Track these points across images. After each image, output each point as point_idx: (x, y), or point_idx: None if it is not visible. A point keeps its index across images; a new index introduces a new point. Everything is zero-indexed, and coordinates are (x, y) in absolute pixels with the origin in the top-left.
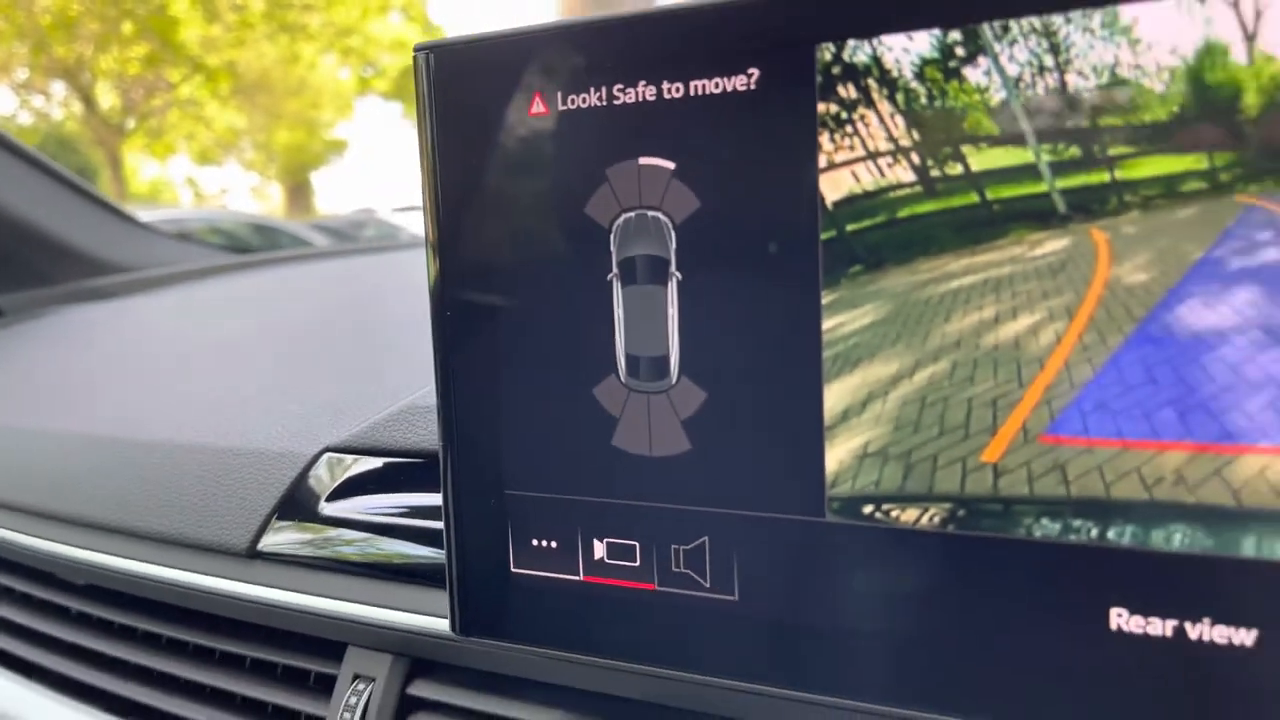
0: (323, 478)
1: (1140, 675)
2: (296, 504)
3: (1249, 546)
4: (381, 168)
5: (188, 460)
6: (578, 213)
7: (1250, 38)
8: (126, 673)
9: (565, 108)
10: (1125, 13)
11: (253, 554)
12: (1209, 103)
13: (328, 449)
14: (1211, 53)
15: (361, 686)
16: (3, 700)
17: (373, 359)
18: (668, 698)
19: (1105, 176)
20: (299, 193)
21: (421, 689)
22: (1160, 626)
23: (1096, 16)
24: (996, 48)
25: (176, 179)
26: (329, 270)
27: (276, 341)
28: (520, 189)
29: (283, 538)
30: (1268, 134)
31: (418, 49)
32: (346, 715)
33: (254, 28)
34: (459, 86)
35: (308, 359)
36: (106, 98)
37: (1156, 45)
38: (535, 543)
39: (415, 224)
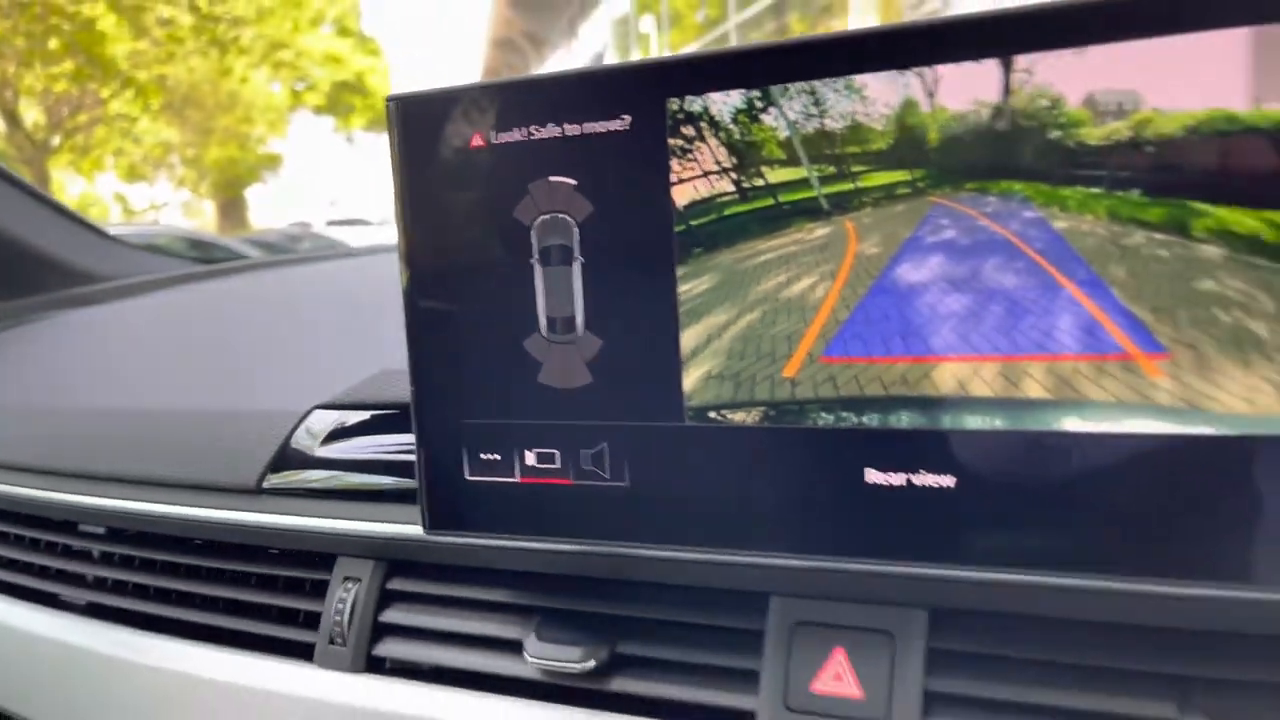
0: (314, 428)
1: (885, 511)
2: (293, 449)
3: (946, 421)
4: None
5: (198, 421)
6: (508, 216)
7: (930, 95)
8: (151, 597)
9: (498, 141)
10: (858, 80)
11: (259, 490)
12: (909, 137)
13: (317, 406)
14: (909, 105)
15: (350, 585)
16: (45, 630)
17: (343, 342)
18: (588, 568)
19: (850, 185)
20: (232, 208)
21: (398, 584)
22: (897, 478)
23: (841, 82)
24: (781, 102)
25: (105, 196)
26: (293, 274)
27: (258, 332)
28: (466, 200)
29: (282, 477)
30: (945, 158)
31: (389, 99)
32: (338, 608)
33: (183, 42)
34: (419, 126)
35: (288, 344)
36: (31, 114)
37: (877, 100)
38: (483, 456)
39: (350, 237)
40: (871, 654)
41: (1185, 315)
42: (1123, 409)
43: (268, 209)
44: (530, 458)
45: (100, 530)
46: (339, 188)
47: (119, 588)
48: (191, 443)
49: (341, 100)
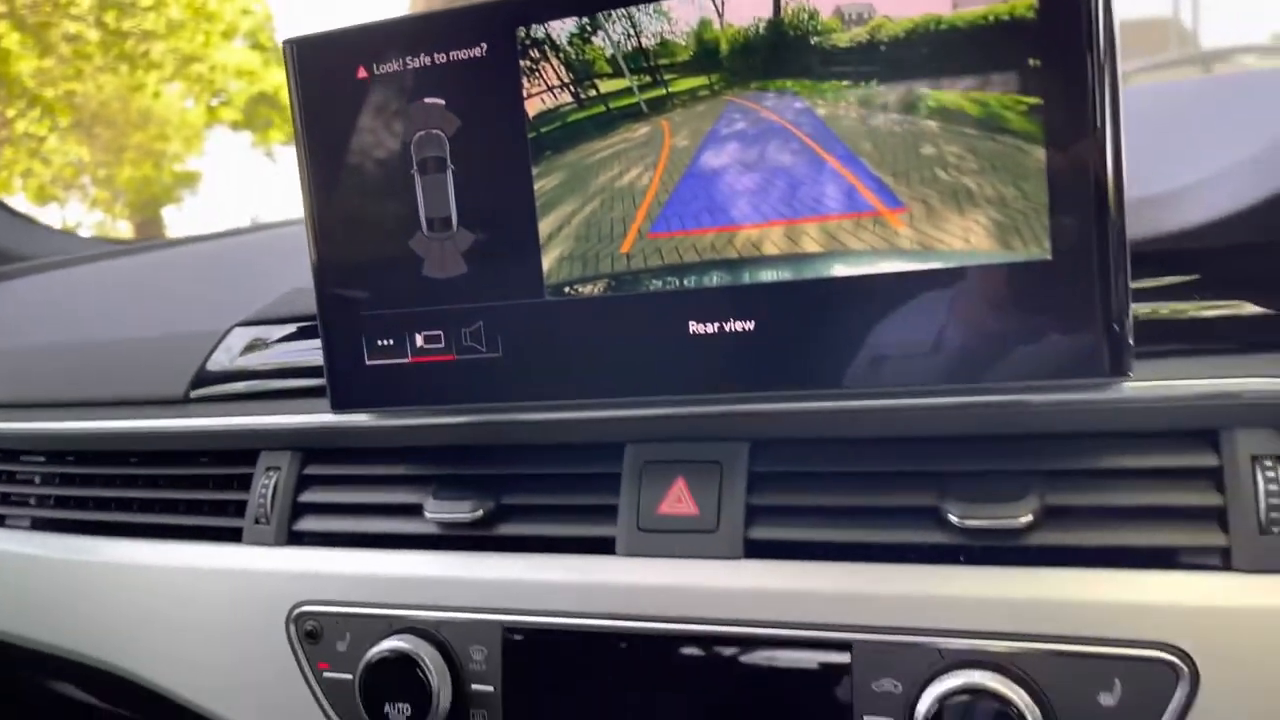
0: (234, 344)
1: (705, 355)
2: (217, 362)
3: (746, 277)
4: (236, 200)
5: (128, 347)
6: (392, 134)
7: (720, 14)
8: (92, 507)
9: (379, 72)
10: (665, 4)
11: (186, 399)
12: (705, 49)
13: (236, 324)
14: (704, 23)
15: (271, 474)
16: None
17: (255, 282)
18: (473, 437)
19: (663, 91)
20: (149, 228)
21: (313, 469)
22: (711, 327)
23: (651, 7)
24: (606, 26)
25: None
26: (208, 245)
27: (178, 284)
28: (354, 123)
29: (208, 389)
30: (734, 64)
31: (285, 42)
32: (261, 493)
33: (91, 58)
34: (312, 63)
35: (207, 290)
36: None
37: (679, 20)
38: (379, 342)
39: None
40: (705, 480)
41: (916, 176)
42: (876, 254)
43: (186, 229)
44: (419, 340)
45: (40, 457)
46: (260, 204)
47: (62, 504)
48: (123, 366)
49: (259, 115)
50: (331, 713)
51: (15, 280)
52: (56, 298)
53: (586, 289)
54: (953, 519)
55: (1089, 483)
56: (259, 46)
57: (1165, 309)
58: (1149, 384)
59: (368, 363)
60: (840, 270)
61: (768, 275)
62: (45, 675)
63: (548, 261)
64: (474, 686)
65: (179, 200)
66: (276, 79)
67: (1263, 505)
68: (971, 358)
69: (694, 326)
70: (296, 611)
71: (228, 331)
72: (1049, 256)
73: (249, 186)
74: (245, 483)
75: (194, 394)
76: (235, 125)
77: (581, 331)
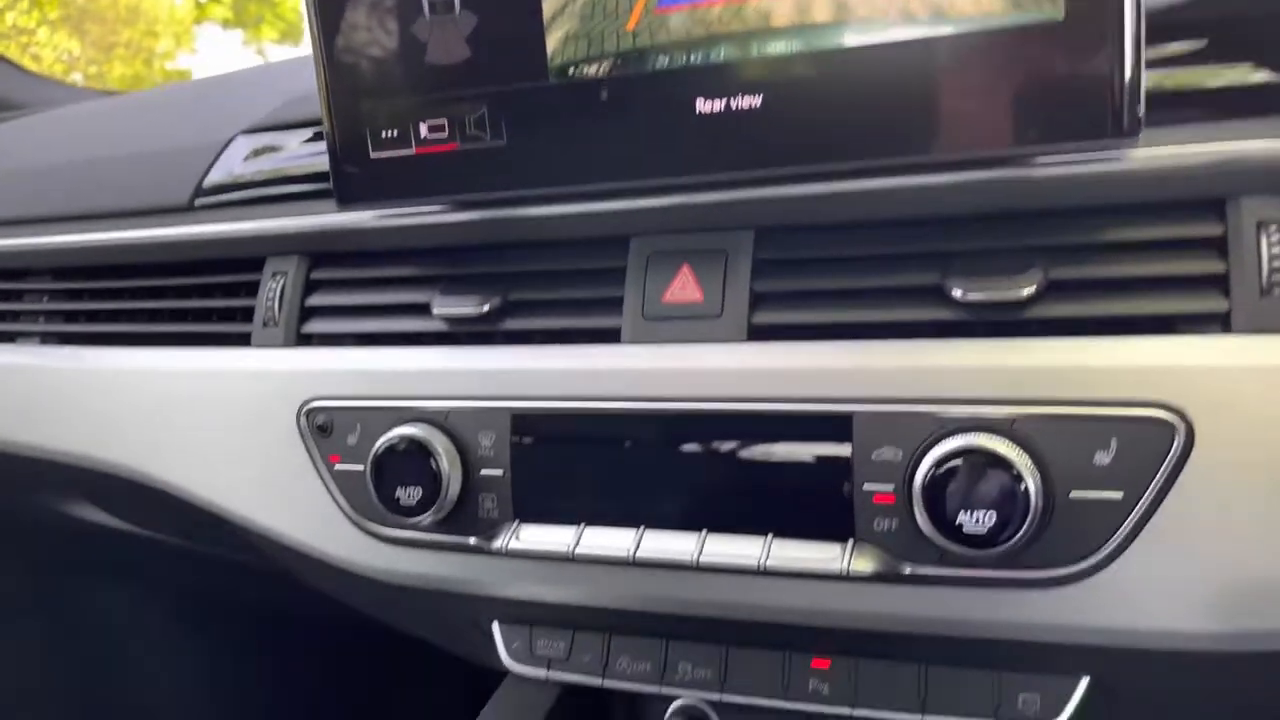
0: (238, 151)
1: (712, 134)
2: (221, 170)
3: (755, 51)
4: None
5: (133, 160)
6: None
7: None
8: (101, 320)
9: None
10: None
11: (192, 207)
12: None
13: (240, 132)
14: None
15: (279, 278)
16: (7, 361)
17: (255, 96)
18: (479, 235)
19: None
20: None
21: (320, 274)
22: (719, 105)
23: None
24: None
25: None
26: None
27: (181, 108)
28: None
29: (213, 197)
30: None
31: None
32: (269, 297)
33: None
34: None
35: (209, 110)
36: None
37: None
38: (383, 134)
39: None
40: (710, 268)
41: None
42: (887, 22)
43: None
44: (423, 130)
45: (47, 274)
46: None
47: (71, 319)
48: (127, 178)
49: (249, 12)
50: (344, 504)
51: (20, 118)
52: (60, 128)
53: (591, 70)
54: (955, 294)
55: (1092, 256)
56: None
57: (1172, 78)
58: (1156, 151)
59: (372, 156)
60: (851, 39)
61: (777, 48)
62: (59, 495)
63: (551, 42)
64: (483, 471)
65: None
66: None
67: (1265, 269)
68: (983, 123)
69: (701, 105)
70: (307, 407)
71: (231, 140)
72: (1061, 16)
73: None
74: (252, 290)
75: (198, 202)
76: (225, 23)
77: (586, 114)
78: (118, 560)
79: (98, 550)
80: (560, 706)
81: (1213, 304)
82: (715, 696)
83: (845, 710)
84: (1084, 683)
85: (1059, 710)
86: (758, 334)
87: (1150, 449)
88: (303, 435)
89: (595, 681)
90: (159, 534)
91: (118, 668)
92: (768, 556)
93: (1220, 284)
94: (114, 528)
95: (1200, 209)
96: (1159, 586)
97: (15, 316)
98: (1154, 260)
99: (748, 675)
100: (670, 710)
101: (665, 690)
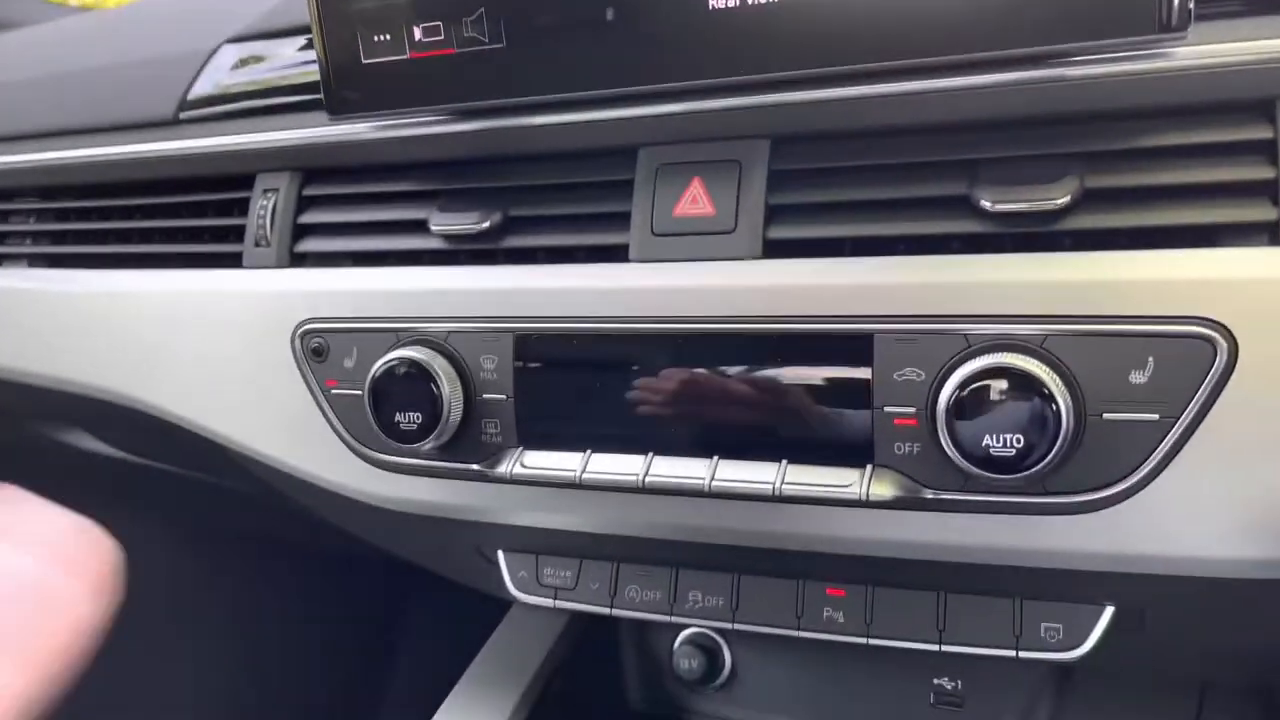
0: (224, 60)
1: (725, 31)
2: (207, 80)
3: None
4: None
5: (115, 71)
6: None
7: None
8: (90, 240)
9: None
10: None
11: (177, 120)
12: None
13: (226, 40)
14: None
15: (270, 195)
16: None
17: (237, 7)
18: (479, 146)
19: None
20: None
21: (313, 190)
22: (732, 0)
23: None
24: None
25: None
26: None
27: (160, 18)
28: None
29: (198, 110)
30: None
31: None
32: (260, 215)
33: None
34: None
35: (194, 18)
36: None
37: None
38: (376, 37)
39: None
40: (723, 180)
41: None
42: None
43: None
44: (418, 33)
45: (34, 195)
46: None
47: (59, 240)
48: (112, 90)
49: None
50: (342, 430)
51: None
52: (40, 42)
53: None
54: (985, 204)
55: (1131, 162)
56: None
57: None
58: (1202, 48)
59: (364, 62)
60: None
61: None
62: (51, 422)
63: None
64: (485, 395)
65: None
66: None
67: None
68: (1017, 17)
69: (714, 0)
70: (301, 329)
71: (216, 49)
72: None
73: None
74: (244, 208)
75: (183, 115)
76: None
77: (590, 13)
78: (120, 489)
79: (99, 479)
80: (568, 634)
81: (1259, 213)
82: (727, 625)
83: (861, 639)
84: (1109, 611)
85: (1082, 640)
86: (773, 250)
87: (1190, 367)
88: (298, 359)
89: (604, 610)
90: (160, 463)
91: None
92: (783, 482)
93: (1268, 191)
94: (113, 457)
95: (1248, 111)
96: (1195, 511)
97: (1, 239)
98: (1198, 167)
99: (760, 604)
100: (679, 639)
101: (675, 620)
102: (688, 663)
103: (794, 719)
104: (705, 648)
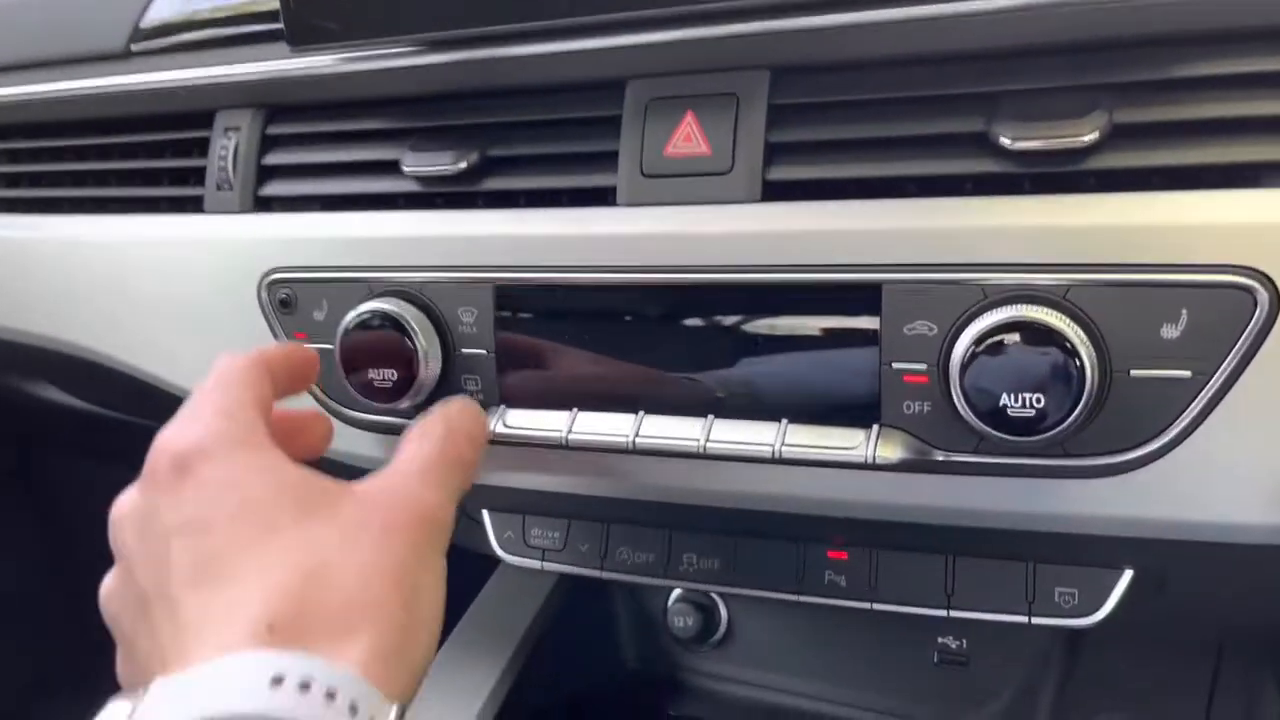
0: None
1: None
2: (159, 10)
3: None
4: None
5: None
6: None
7: None
8: (45, 183)
9: None
10: None
11: (128, 53)
12: None
13: None
14: None
15: (231, 135)
16: None
17: None
18: (453, 80)
19: None
20: None
21: (277, 128)
22: None
23: None
24: None
25: None
26: None
27: None
28: None
29: (150, 41)
30: None
31: None
32: (221, 156)
33: None
34: None
35: None
36: None
37: None
38: None
39: None
40: (718, 115)
41: None
42: None
43: None
44: None
45: None
46: None
47: (11, 183)
48: (56, 20)
49: None
50: (313, 386)
51: None
52: None
53: None
54: (1004, 142)
55: (1164, 95)
56: None
57: None
58: None
59: None
60: None
61: None
62: (16, 375)
63: None
64: (464, 350)
65: None
66: None
67: None
68: None
69: None
70: (268, 280)
71: None
72: None
73: None
74: (204, 149)
75: (135, 47)
76: None
77: None
78: (91, 444)
79: (73, 431)
80: (560, 589)
81: None
82: (723, 589)
83: (864, 605)
84: (1127, 576)
85: (1098, 606)
86: (773, 192)
87: (1226, 320)
88: (264, 310)
89: (594, 573)
90: (130, 417)
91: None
92: (783, 443)
93: None
94: (84, 411)
95: None
96: (1227, 475)
97: None
98: (1237, 99)
99: (758, 567)
100: (674, 596)
101: (669, 583)
102: (683, 620)
103: (792, 677)
104: (701, 605)
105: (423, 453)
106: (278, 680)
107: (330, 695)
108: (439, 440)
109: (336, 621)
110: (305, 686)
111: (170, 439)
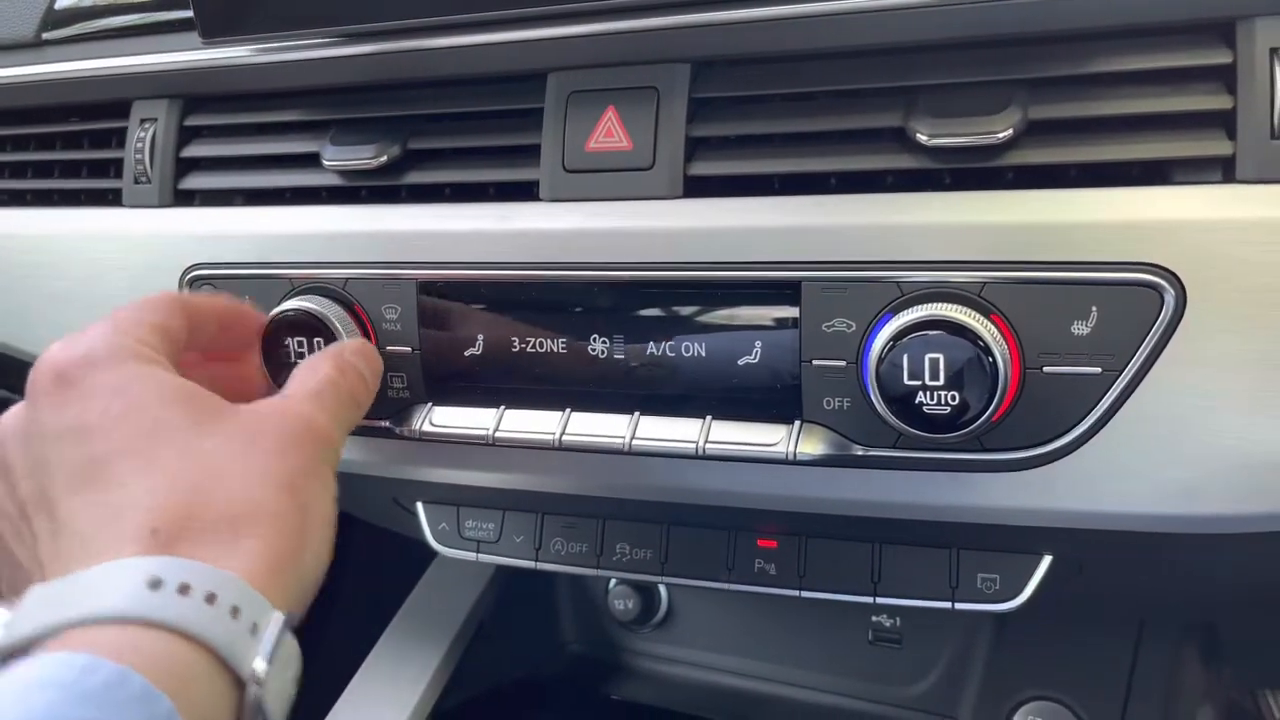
0: None
1: None
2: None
3: None
4: None
5: None
6: None
7: None
8: None
9: None
10: None
11: (39, 42)
12: None
13: None
14: None
15: (147, 126)
16: None
17: None
18: (374, 70)
19: None
20: None
21: (195, 120)
22: None
23: None
24: None
25: None
26: None
27: None
28: None
29: (62, 30)
30: None
31: None
32: (138, 149)
33: None
34: None
35: None
36: None
37: None
38: None
39: None
40: (639, 110)
41: None
42: None
43: None
44: None
45: None
46: None
47: None
48: None
49: None
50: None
51: None
52: None
53: None
54: (921, 138)
55: (1079, 91)
56: None
57: None
58: None
59: None
60: None
61: None
62: None
63: None
64: (389, 348)
65: None
66: None
67: (1279, 105)
68: None
69: None
70: (189, 276)
71: None
72: None
73: None
74: (122, 140)
75: (46, 35)
76: None
77: None
78: None
79: None
80: (501, 574)
81: (1214, 147)
82: (656, 579)
83: (793, 592)
84: (1046, 562)
85: (1019, 590)
86: (694, 188)
87: (1135, 317)
88: None
89: (529, 564)
90: None
91: None
92: (706, 440)
93: (1224, 122)
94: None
95: (1206, 33)
96: (1137, 468)
97: None
98: (1151, 95)
99: (689, 556)
100: (614, 581)
101: (603, 573)
102: (623, 603)
103: (732, 657)
104: (641, 588)
105: (313, 381)
106: (155, 583)
107: (210, 598)
108: (329, 372)
109: (223, 528)
110: (185, 589)
111: (53, 353)
